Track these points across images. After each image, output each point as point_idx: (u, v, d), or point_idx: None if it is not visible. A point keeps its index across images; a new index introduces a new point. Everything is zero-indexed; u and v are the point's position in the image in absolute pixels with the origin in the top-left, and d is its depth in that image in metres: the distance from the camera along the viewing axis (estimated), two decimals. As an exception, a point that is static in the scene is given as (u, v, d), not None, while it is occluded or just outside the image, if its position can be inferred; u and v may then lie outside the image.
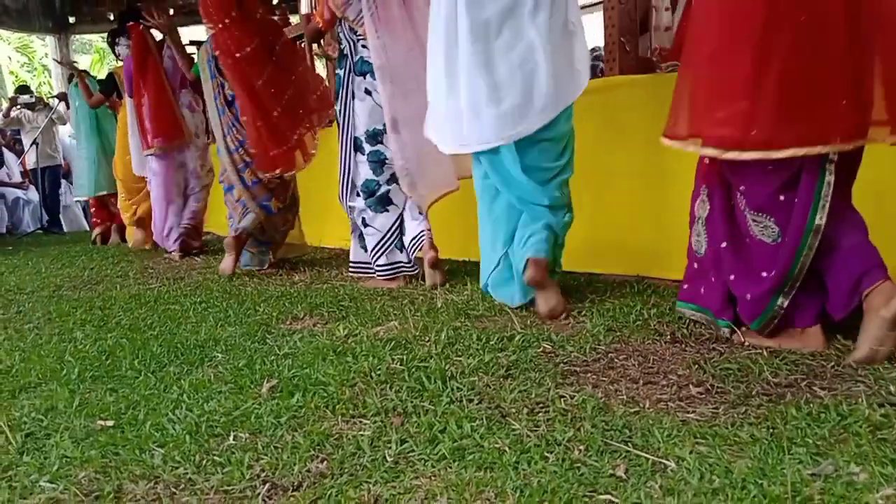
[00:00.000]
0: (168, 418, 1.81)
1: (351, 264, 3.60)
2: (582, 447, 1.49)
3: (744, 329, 2.16)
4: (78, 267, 4.92)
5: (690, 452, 1.43)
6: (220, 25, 3.75)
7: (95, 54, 17.94)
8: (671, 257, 3.01)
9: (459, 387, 1.86)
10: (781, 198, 1.98)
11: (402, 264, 3.41)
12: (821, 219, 1.91)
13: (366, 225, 3.41)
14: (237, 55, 3.75)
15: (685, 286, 2.32)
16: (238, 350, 2.40)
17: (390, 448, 1.55)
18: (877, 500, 1.21)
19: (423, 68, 2.80)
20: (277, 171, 3.91)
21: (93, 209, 7.01)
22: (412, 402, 1.79)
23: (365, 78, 3.28)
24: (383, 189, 3.35)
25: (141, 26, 5.01)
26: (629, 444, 1.49)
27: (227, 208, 4.21)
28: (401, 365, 2.04)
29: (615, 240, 3.19)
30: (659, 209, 3.06)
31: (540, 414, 1.68)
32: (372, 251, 3.41)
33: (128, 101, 5.63)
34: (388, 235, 3.37)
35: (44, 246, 6.84)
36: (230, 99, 4.06)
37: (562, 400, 1.74)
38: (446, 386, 1.86)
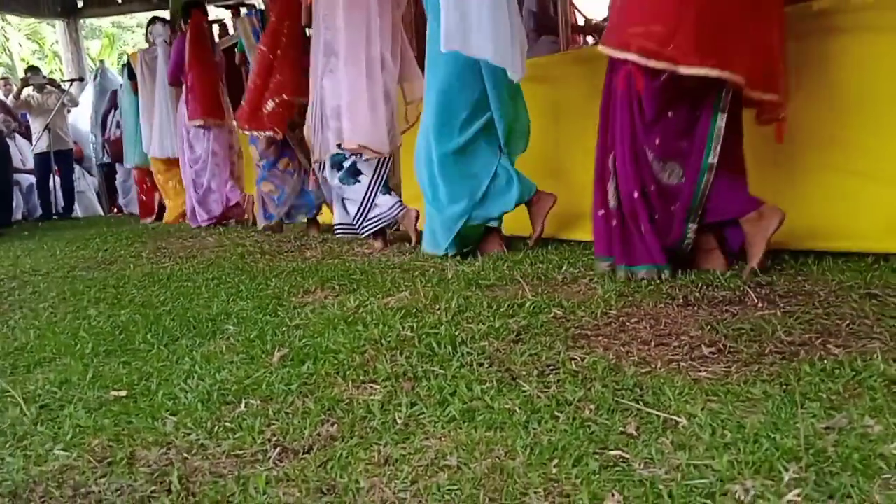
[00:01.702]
0: (180, 388, 1.82)
1: (335, 226, 4.01)
2: (592, 406, 1.48)
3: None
4: (92, 249, 4.95)
5: (702, 409, 1.42)
6: None
7: (105, 39, 17.97)
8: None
9: (469, 351, 1.85)
10: (683, 144, 2.34)
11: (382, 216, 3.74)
12: (713, 158, 2.30)
13: (345, 197, 3.80)
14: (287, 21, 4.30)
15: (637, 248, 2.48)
16: (249, 322, 2.41)
17: (400, 411, 1.55)
18: (892, 451, 1.19)
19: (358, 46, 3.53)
20: (246, 128, 4.50)
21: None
22: (422, 366, 1.78)
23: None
24: (350, 161, 3.70)
25: (203, 14, 5.69)
26: (640, 402, 1.48)
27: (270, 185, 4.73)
28: (411, 332, 2.03)
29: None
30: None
31: (550, 376, 1.67)
32: (355, 217, 3.77)
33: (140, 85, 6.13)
34: (365, 201, 3.71)
35: (59, 230, 6.90)
36: None
37: (572, 362, 1.73)
38: (456, 351, 1.86)
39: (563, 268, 2.75)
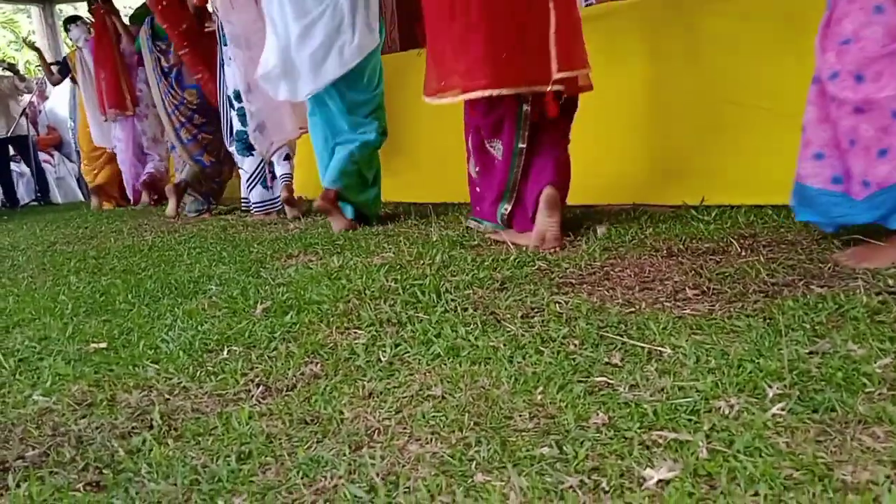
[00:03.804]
0: (161, 339, 1.80)
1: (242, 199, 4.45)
2: (577, 342, 1.48)
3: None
4: (72, 227, 4.89)
5: (686, 340, 1.42)
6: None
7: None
8: (668, 184, 2.99)
9: (454, 298, 1.84)
10: (505, 126, 2.56)
11: (272, 200, 4.23)
12: (522, 143, 2.54)
13: (241, 168, 4.26)
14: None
15: (477, 208, 2.85)
16: (232, 283, 2.38)
17: (385, 351, 1.54)
18: (875, 370, 1.20)
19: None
20: None
21: None
22: (407, 313, 1.77)
23: (229, 47, 3.93)
24: (250, 137, 4.06)
25: (102, 10, 5.70)
26: (624, 336, 1.48)
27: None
28: (395, 283, 2.02)
29: (612, 169, 3.15)
30: (655, 137, 3.02)
31: (535, 317, 1.67)
32: (245, 188, 4.29)
33: (80, 81, 6.38)
34: (255, 174, 4.19)
35: (38, 213, 6.82)
36: (166, 70, 4.76)
37: (556, 305, 1.73)
38: (441, 298, 1.85)
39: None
